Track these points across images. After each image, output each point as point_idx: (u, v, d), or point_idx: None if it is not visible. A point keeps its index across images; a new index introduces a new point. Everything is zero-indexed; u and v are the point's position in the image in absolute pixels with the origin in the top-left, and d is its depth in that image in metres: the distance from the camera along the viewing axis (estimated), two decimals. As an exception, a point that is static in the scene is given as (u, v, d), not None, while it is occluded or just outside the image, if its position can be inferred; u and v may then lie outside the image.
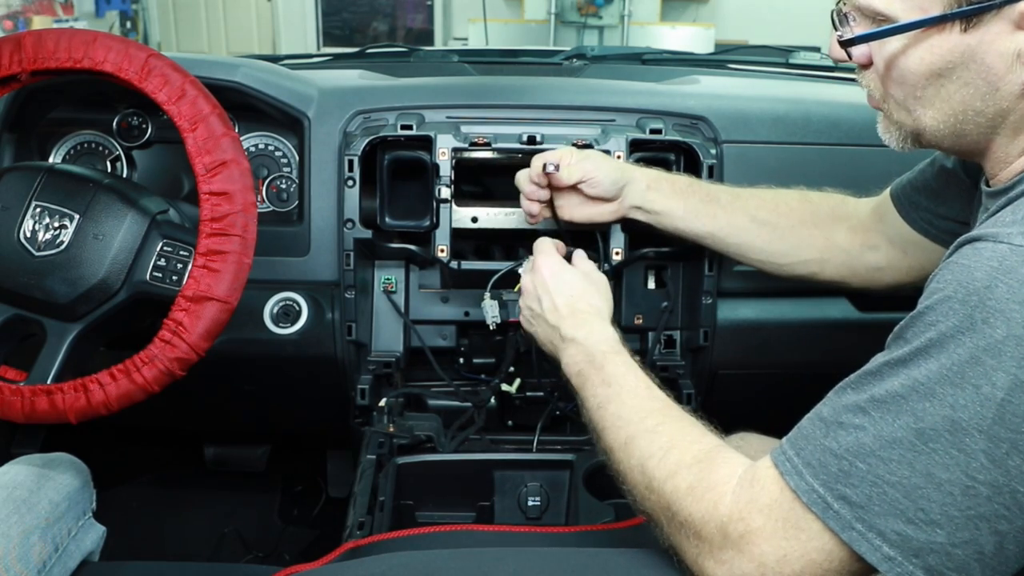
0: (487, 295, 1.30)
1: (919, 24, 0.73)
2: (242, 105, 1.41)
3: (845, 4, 0.79)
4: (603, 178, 1.19)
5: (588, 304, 1.05)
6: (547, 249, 1.13)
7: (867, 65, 0.81)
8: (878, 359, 0.71)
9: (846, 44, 0.80)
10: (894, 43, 0.76)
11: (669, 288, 1.48)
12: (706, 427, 0.84)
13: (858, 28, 0.78)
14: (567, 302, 1.04)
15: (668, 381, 1.47)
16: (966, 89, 0.74)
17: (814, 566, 0.70)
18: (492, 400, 1.43)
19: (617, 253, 1.37)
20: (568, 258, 1.14)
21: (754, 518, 0.71)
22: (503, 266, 1.35)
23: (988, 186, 0.81)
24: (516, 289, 1.19)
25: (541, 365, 1.38)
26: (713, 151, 1.38)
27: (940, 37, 0.73)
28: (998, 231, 0.67)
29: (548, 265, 1.09)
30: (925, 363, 0.66)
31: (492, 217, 1.40)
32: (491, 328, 1.33)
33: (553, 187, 1.21)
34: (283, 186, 1.50)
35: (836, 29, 0.81)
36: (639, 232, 1.41)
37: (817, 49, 2.09)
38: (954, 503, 0.64)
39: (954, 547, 0.65)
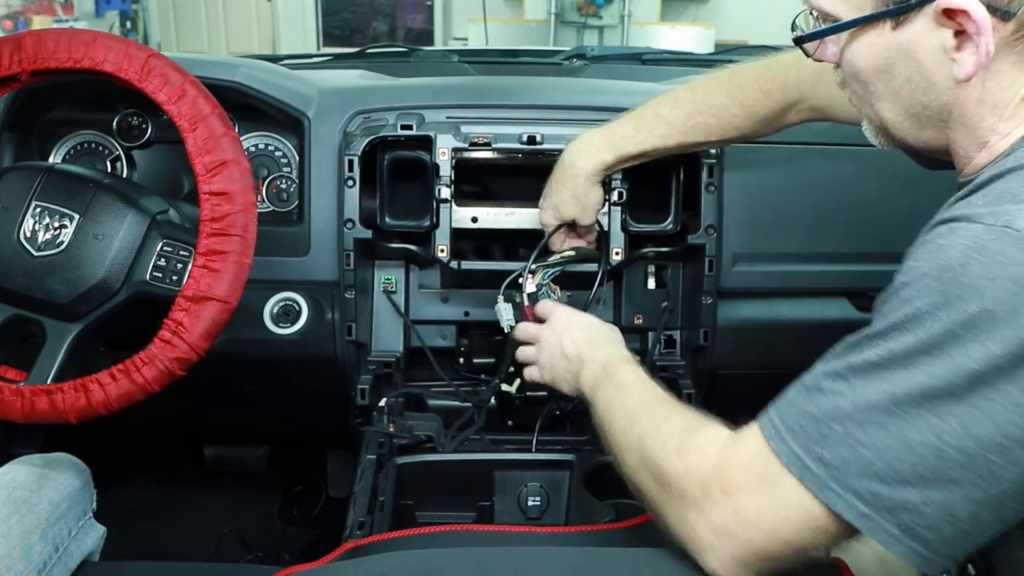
0: (500, 298, 1.30)
1: (854, 23, 0.78)
2: (242, 105, 1.41)
3: (813, 11, 0.84)
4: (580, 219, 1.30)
5: (604, 335, 1.13)
6: (552, 304, 1.23)
7: (839, 64, 0.85)
8: (860, 331, 0.74)
9: (797, 42, 0.86)
10: (844, 41, 0.81)
11: (669, 288, 1.47)
12: (706, 416, 0.87)
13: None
14: (585, 335, 1.12)
15: (668, 381, 1.47)
16: (908, 84, 0.78)
17: (789, 523, 0.73)
18: (492, 400, 1.43)
19: (617, 253, 1.37)
20: None
21: (734, 473, 0.75)
22: (503, 266, 1.35)
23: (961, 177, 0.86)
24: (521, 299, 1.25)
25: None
26: (713, 151, 1.38)
27: (875, 35, 0.78)
28: (971, 212, 0.71)
29: (562, 314, 1.18)
30: (902, 336, 0.69)
31: (492, 217, 1.40)
32: (506, 331, 1.33)
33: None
34: (283, 186, 1.50)
35: (792, 30, 0.87)
36: (639, 233, 1.41)
37: (817, 49, 2.08)
38: (924, 464, 0.67)
39: (926, 506, 0.68)
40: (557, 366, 1.13)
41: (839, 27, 0.79)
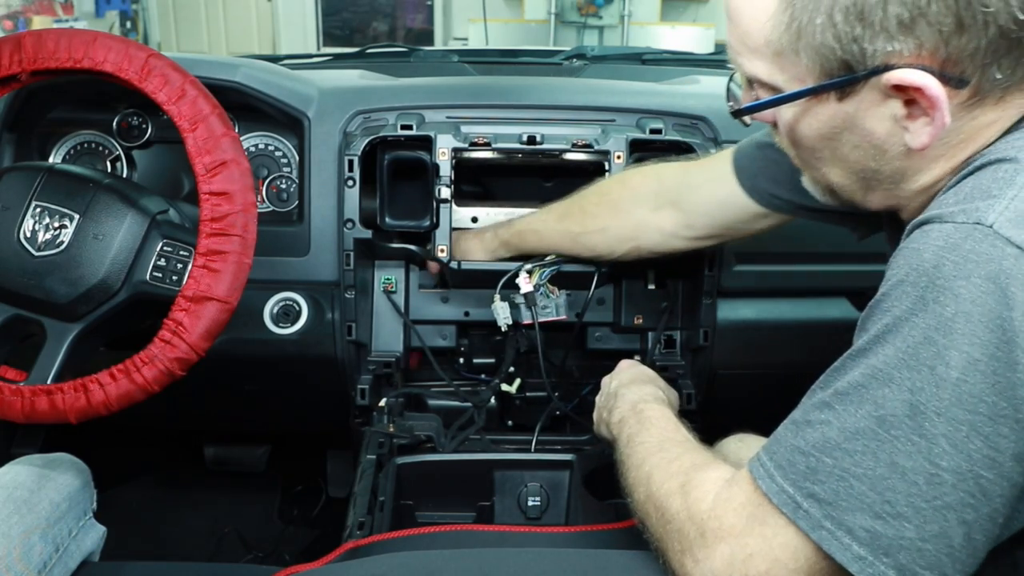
0: (497, 297, 1.30)
1: (796, 95, 0.75)
2: (242, 105, 1.41)
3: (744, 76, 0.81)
4: None
5: (648, 378, 1.14)
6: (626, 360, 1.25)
7: (776, 125, 0.83)
8: (845, 354, 0.72)
9: (735, 114, 0.83)
10: (786, 111, 0.78)
11: (669, 288, 1.47)
12: (716, 456, 0.86)
13: (764, 94, 0.80)
14: (631, 377, 1.14)
15: (668, 381, 1.47)
16: (857, 151, 0.76)
17: (779, 565, 0.70)
18: (492, 400, 1.43)
19: (617, 253, 1.37)
20: None
21: (727, 517, 0.73)
22: (503, 266, 1.35)
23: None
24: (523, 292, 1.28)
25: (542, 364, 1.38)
26: (713, 151, 1.38)
27: (821, 106, 0.75)
28: (942, 212, 0.69)
29: (625, 362, 1.22)
30: (882, 349, 0.67)
31: (492, 217, 1.40)
32: (503, 330, 1.33)
33: None
34: (283, 186, 1.50)
35: (728, 99, 0.85)
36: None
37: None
38: (920, 493, 0.64)
39: (924, 542, 0.65)
40: (601, 405, 1.13)
41: (780, 100, 0.76)
